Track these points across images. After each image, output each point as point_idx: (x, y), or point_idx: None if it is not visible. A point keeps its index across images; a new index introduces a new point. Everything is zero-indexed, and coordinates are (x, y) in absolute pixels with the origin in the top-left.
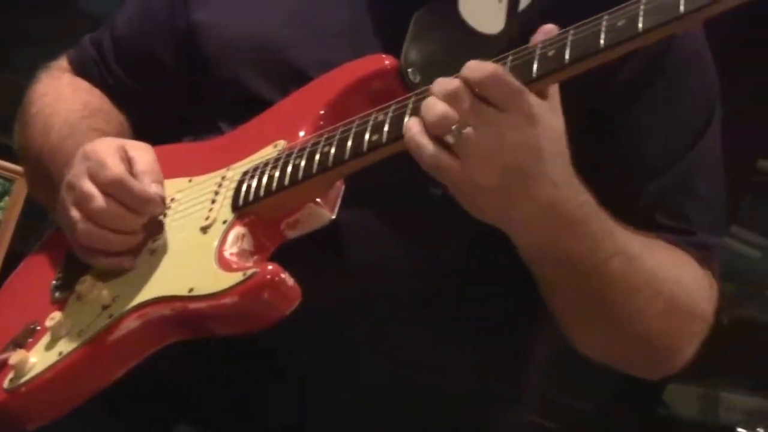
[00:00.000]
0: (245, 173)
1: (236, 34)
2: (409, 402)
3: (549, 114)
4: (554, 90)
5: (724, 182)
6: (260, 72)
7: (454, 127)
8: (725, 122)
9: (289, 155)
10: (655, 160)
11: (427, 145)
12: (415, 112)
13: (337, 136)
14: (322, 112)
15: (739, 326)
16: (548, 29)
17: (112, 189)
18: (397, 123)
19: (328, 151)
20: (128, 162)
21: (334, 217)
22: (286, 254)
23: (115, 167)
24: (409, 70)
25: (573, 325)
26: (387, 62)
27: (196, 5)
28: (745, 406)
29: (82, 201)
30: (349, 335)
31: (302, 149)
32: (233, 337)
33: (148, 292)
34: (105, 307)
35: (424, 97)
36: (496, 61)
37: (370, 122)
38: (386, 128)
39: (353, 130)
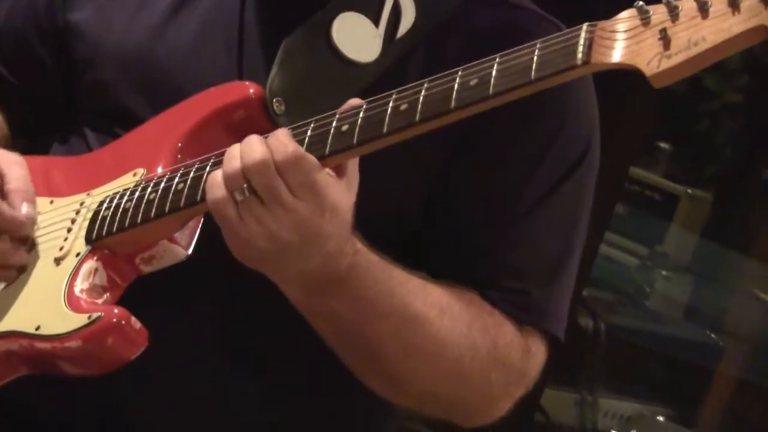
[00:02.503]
0: (102, 203)
1: (107, 42)
2: None
3: (339, 197)
4: (353, 166)
5: (573, 237)
6: (126, 81)
7: (244, 186)
8: (601, 130)
9: (145, 188)
10: (499, 210)
11: (218, 189)
12: None
13: (192, 174)
14: (180, 144)
15: (615, 333)
16: (353, 104)
17: None
18: None
19: (182, 190)
20: (1, 177)
21: (189, 253)
22: (141, 289)
23: None
24: (275, 99)
25: (353, 370)
26: (251, 90)
27: (73, 5)
28: (621, 411)
29: None
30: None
31: (158, 183)
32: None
33: None
34: None
35: None
36: (299, 128)
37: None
38: None
39: (207, 169)
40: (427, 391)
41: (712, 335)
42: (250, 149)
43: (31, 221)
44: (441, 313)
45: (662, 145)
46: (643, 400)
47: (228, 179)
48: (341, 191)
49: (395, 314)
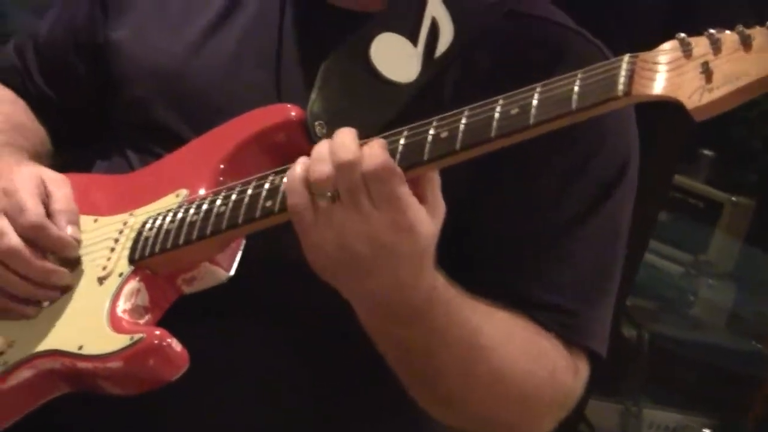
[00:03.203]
0: (145, 223)
1: (147, 61)
2: None
3: (419, 218)
4: (433, 190)
5: (615, 252)
6: (163, 99)
7: (329, 194)
8: (643, 138)
9: (187, 209)
10: (543, 231)
11: (299, 193)
12: None
13: (233, 197)
14: (222, 165)
15: (659, 342)
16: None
17: (30, 232)
18: None
19: (223, 213)
20: (46, 197)
21: (230, 274)
22: (182, 310)
23: (34, 211)
24: (316, 123)
25: (409, 391)
26: (293, 113)
27: (114, 24)
28: (666, 422)
29: None
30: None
31: (200, 205)
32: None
33: (42, 343)
34: (0, 354)
35: None
36: (390, 136)
37: (266, 186)
38: (280, 196)
39: (249, 192)
40: (482, 415)
41: (757, 344)
42: (341, 149)
43: (77, 242)
44: (504, 339)
45: (705, 152)
46: (687, 411)
47: (314, 182)
48: (422, 215)
49: (463, 344)
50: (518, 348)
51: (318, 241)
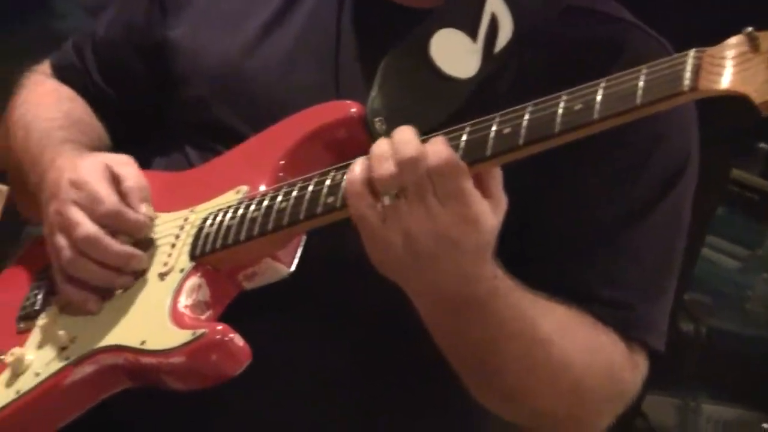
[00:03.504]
0: (205, 219)
1: (205, 58)
2: None
3: (483, 211)
4: (497, 185)
5: (674, 248)
6: (221, 97)
7: (393, 192)
8: (700, 132)
9: (248, 206)
10: (602, 225)
11: (361, 193)
12: None
13: (294, 193)
14: (282, 162)
15: (716, 337)
16: None
17: (107, 220)
18: None
19: (285, 209)
20: (114, 179)
21: (291, 270)
22: (243, 305)
23: (109, 199)
24: (376, 119)
25: (467, 384)
26: (353, 110)
27: (171, 23)
28: (724, 417)
29: (70, 228)
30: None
31: (260, 201)
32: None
33: (104, 339)
34: (62, 349)
35: None
36: (451, 132)
37: (327, 182)
38: (341, 191)
39: (310, 188)
40: (541, 409)
41: None
42: (403, 146)
43: (151, 221)
44: (564, 334)
45: (761, 145)
46: (746, 406)
47: (378, 181)
48: (486, 208)
49: (524, 336)
50: (577, 342)
51: (383, 239)
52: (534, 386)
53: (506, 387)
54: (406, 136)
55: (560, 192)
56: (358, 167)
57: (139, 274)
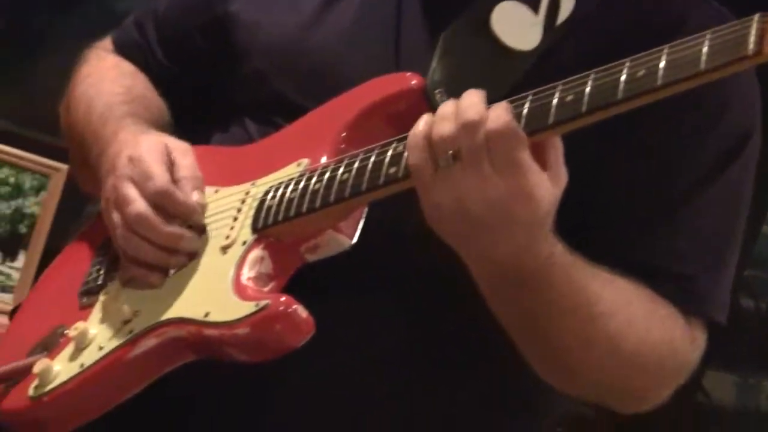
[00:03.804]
0: (267, 191)
1: (265, 33)
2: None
3: (540, 184)
4: (557, 157)
5: (736, 220)
6: (282, 71)
7: (450, 152)
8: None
9: (309, 178)
10: (663, 196)
11: (421, 147)
12: None
13: (356, 164)
14: (343, 134)
15: None
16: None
17: (157, 198)
18: None
19: (347, 180)
20: (171, 165)
21: (354, 242)
22: (305, 278)
23: (161, 178)
24: (436, 91)
25: (526, 358)
26: (413, 82)
27: None
28: None
29: (123, 205)
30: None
31: (322, 173)
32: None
33: (167, 312)
34: (125, 322)
35: None
36: (515, 101)
37: (389, 153)
38: (404, 162)
39: (372, 159)
40: (601, 382)
41: None
42: (468, 107)
43: (202, 208)
44: (623, 306)
45: None
46: None
47: (436, 140)
48: (543, 181)
49: (581, 311)
50: (637, 315)
51: (436, 200)
52: (592, 359)
53: (564, 360)
54: (472, 99)
55: (621, 165)
56: (422, 123)
57: (200, 250)
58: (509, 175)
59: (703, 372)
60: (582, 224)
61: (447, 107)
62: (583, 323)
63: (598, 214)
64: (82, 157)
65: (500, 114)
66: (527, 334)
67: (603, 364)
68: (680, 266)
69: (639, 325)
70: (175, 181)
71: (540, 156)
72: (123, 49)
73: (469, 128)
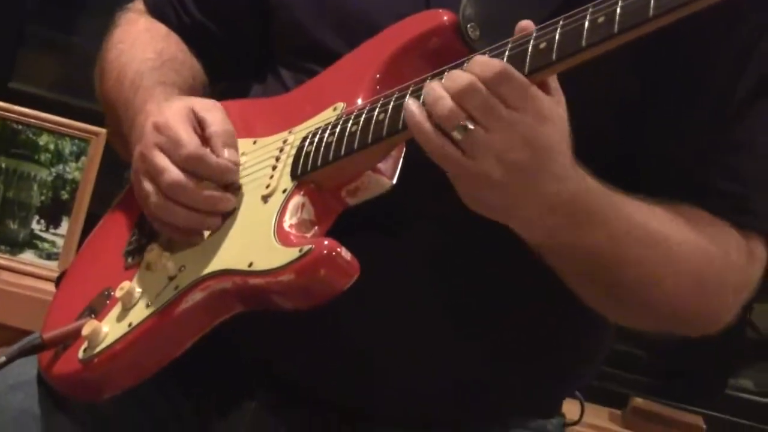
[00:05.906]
0: (305, 138)
1: None
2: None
3: (557, 109)
4: (555, 83)
5: None
6: (318, 18)
7: (461, 123)
8: None
9: (346, 121)
10: (709, 115)
11: (432, 134)
12: None
13: (392, 103)
14: (378, 75)
15: None
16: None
17: (189, 164)
18: None
19: (383, 120)
20: (199, 125)
21: (394, 182)
22: (347, 223)
23: (191, 143)
24: (468, 25)
25: (591, 304)
26: (445, 18)
27: None
28: None
29: (155, 174)
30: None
31: (358, 115)
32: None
33: (211, 265)
34: (171, 279)
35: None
36: (495, 50)
37: (424, 89)
38: None
39: (407, 97)
40: (667, 311)
41: None
42: (453, 81)
43: (236, 165)
44: (676, 226)
45: None
46: None
47: (441, 119)
48: (553, 103)
49: (633, 231)
50: (692, 232)
51: (475, 171)
52: (652, 283)
53: (623, 288)
54: (455, 72)
55: (668, 86)
56: (415, 109)
57: (239, 204)
58: (529, 107)
59: (750, 308)
60: (630, 156)
61: (432, 90)
62: (637, 245)
63: (647, 140)
64: (115, 125)
65: (485, 61)
66: (588, 277)
67: (663, 287)
68: (735, 185)
69: (695, 241)
70: (206, 138)
71: (540, 87)
72: (155, 9)
73: (468, 92)
